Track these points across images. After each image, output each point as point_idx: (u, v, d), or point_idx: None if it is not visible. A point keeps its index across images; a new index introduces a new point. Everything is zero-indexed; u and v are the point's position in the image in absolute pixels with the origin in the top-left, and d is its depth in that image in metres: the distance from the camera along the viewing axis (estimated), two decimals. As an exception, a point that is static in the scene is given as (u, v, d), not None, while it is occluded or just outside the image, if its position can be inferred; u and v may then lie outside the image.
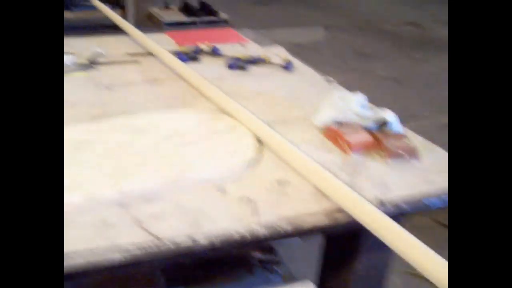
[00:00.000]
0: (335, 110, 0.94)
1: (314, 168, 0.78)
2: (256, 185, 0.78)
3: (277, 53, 1.44)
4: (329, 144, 0.91)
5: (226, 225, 0.68)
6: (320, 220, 0.72)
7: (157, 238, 0.63)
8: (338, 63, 3.76)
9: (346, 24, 5.10)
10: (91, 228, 0.64)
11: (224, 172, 0.79)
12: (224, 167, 0.80)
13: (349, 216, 0.70)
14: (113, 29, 1.70)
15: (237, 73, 1.27)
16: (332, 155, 0.88)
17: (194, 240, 0.64)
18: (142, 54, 1.39)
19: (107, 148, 0.82)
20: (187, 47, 1.41)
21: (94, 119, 0.94)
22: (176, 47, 1.45)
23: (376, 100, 1.15)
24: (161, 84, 1.15)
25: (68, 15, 4.16)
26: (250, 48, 1.49)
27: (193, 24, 4.76)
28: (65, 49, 1.39)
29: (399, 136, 0.91)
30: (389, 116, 0.93)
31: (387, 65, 3.80)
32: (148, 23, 4.70)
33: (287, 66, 1.30)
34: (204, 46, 1.43)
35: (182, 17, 4.92)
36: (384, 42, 4.51)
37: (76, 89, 1.11)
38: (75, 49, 1.39)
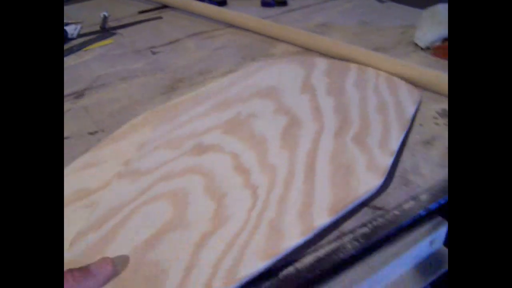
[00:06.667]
0: (444, 25, 0.82)
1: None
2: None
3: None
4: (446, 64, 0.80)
5: None
6: None
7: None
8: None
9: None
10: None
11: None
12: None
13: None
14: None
15: (279, 10, 1.10)
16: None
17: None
18: (157, 9, 1.18)
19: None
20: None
21: (173, 90, 0.76)
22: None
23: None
24: (212, 37, 0.97)
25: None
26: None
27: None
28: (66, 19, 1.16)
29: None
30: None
31: None
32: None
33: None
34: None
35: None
36: None
37: (117, 59, 0.90)
38: (75, 17, 1.16)
